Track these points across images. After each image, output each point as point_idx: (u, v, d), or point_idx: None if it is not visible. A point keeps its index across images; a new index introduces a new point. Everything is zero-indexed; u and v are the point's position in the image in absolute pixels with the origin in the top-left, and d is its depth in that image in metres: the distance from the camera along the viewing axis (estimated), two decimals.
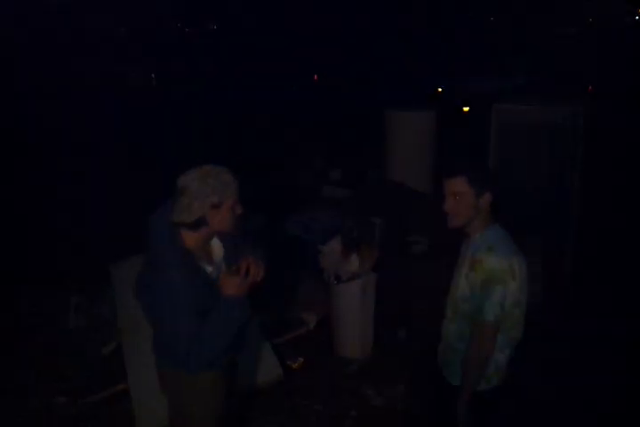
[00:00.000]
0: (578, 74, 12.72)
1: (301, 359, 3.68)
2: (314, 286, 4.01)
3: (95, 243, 4.96)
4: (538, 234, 4.07)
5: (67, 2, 15.61)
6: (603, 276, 4.55)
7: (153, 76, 15.03)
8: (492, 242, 2.12)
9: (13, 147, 7.99)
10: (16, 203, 6.01)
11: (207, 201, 1.96)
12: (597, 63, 13.41)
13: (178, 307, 1.98)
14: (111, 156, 7.63)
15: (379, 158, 5.79)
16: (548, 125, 4.36)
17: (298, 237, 4.57)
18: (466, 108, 10.73)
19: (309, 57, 15.37)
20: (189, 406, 2.23)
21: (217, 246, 2.21)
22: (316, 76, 15.52)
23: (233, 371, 2.36)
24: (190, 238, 2.04)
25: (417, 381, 2.76)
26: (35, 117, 9.59)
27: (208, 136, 8.74)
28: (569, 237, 4.49)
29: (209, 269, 2.11)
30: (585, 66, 13.31)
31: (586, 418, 3.11)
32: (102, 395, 3.31)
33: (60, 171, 7.14)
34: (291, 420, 3.17)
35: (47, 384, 3.48)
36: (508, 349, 2.19)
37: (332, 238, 3.77)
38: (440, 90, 12.50)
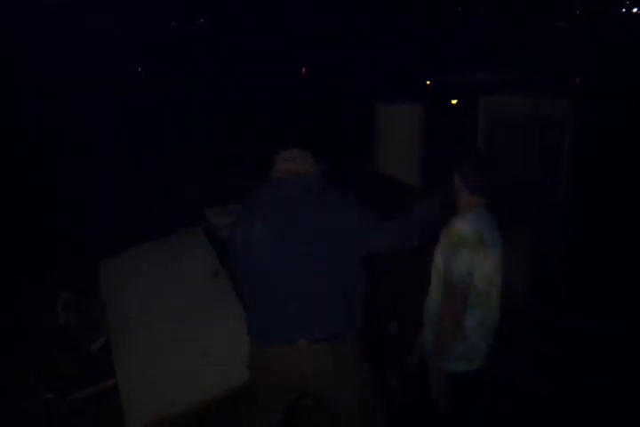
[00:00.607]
0: (568, 66, 12.70)
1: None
2: None
3: (95, 243, 4.99)
4: (528, 227, 4.10)
5: (67, 2, 15.62)
6: (598, 272, 4.55)
7: (152, 75, 15.04)
8: (470, 217, 2.22)
9: (13, 147, 8.02)
10: (16, 203, 6.04)
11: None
12: (588, 56, 13.38)
13: None
14: (111, 156, 7.65)
15: (368, 151, 5.81)
16: (535, 118, 4.38)
17: None
18: (454, 101, 10.74)
19: (300, 50, 15.31)
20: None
21: None
22: (304, 70, 15.49)
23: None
24: None
25: (409, 372, 2.80)
26: (35, 117, 9.60)
27: (208, 136, 8.77)
28: (561, 232, 4.50)
29: None
30: (576, 58, 13.27)
31: (579, 415, 3.13)
32: (91, 391, 3.34)
33: (60, 171, 7.17)
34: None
35: (36, 381, 3.50)
36: (485, 330, 2.24)
37: None
38: (428, 83, 12.48)
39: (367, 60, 14.18)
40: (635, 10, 21.40)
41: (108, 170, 7.12)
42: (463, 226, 2.17)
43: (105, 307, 3.66)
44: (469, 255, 2.12)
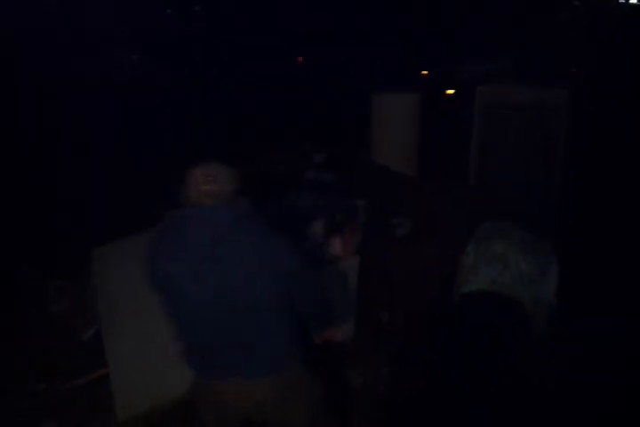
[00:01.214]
0: (566, 56, 12.70)
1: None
2: None
3: (95, 243, 4.98)
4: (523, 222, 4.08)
5: (67, 2, 15.61)
6: (598, 272, 4.52)
7: (152, 75, 15.03)
8: None
9: (13, 147, 8.01)
10: (16, 203, 6.04)
11: None
12: (587, 46, 13.36)
13: None
14: (111, 156, 7.65)
15: (365, 141, 5.82)
16: (532, 107, 4.38)
17: (280, 221, 4.54)
18: (450, 91, 10.75)
19: (296, 39, 15.25)
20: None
21: None
22: (300, 59, 15.47)
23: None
24: None
25: (398, 363, 2.83)
26: (35, 117, 9.60)
27: (208, 136, 8.77)
28: (560, 231, 4.48)
29: None
30: (574, 48, 13.26)
31: (579, 415, 3.14)
32: (83, 380, 3.34)
33: (60, 171, 7.17)
34: None
35: (28, 369, 3.50)
36: (486, 258, 2.75)
37: (314, 221, 3.73)
38: (425, 72, 12.49)
39: (364, 48, 14.13)
40: (634, 0, 21.21)
41: (108, 170, 7.12)
42: None
43: (96, 294, 3.61)
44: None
